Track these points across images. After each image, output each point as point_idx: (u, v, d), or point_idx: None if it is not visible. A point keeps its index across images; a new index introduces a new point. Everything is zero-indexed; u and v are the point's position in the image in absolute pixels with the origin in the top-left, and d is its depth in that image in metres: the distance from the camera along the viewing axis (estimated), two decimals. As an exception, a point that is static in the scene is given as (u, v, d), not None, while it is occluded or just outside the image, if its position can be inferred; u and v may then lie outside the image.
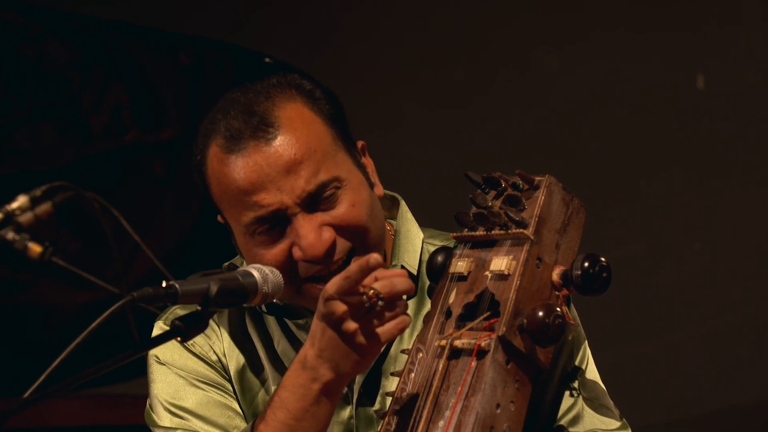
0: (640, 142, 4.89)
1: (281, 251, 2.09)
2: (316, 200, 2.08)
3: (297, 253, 2.08)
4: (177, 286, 1.80)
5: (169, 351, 2.23)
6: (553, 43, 5.02)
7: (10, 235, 1.67)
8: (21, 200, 1.69)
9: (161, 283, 1.79)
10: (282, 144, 2.08)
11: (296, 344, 2.22)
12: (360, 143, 2.22)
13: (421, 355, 1.85)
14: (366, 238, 2.11)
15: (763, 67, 4.78)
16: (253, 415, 2.19)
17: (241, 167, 2.08)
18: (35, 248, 1.68)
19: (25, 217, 1.69)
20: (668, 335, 4.86)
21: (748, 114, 4.79)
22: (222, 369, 2.23)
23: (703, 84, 4.84)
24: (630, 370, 4.77)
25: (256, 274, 1.94)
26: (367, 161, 2.22)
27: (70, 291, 4.45)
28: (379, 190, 2.21)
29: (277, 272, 1.99)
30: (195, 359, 2.22)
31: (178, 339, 1.84)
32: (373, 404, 2.18)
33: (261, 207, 2.08)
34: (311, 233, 2.07)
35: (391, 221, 2.30)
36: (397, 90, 5.13)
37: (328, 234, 2.08)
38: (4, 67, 4.44)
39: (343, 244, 2.10)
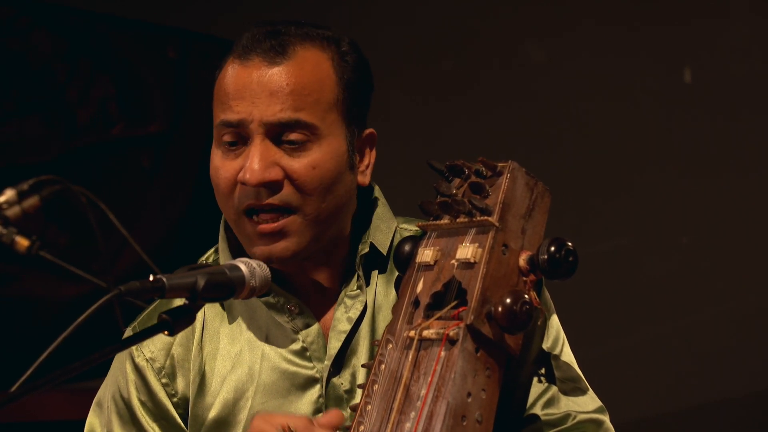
0: (627, 135, 4.89)
1: (234, 168, 2.10)
2: (280, 134, 2.08)
3: (240, 174, 2.09)
4: (164, 279, 1.80)
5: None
6: (540, 36, 5.02)
7: (-3, 229, 1.67)
8: (8, 194, 1.70)
9: (148, 276, 1.79)
10: (280, 72, 2.09)
11: (261, 324, 2.20)
12: (370, 130, 2.21)
13: (390, 346, 1.84)
14: (308, 205, 2.09)
15: (751, 60, 4.78)
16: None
17: (236, 72, 2.10)
18: (22, 242, 1.68)
19: (12, 211, 1.69)
20: (654, 328, 4.87)
21: (735, 107, 4.80)
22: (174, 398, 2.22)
23: (691, 77, 4.85)
24: (616, 363, 4.78)
25: (243, 267, 1.93)
26: (369, 152, 2.21)
27: (57, 284, 4.45)
28: (364, 179, 2.20)
29: (264, 266, 1.98)
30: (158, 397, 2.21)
31: (165, 333, 1.84)
32: (342, 384, 2.17)
33: (232, 112, 2.08)
34: (260, 162, 2.07)
35: None
36: (382, 82, 5.12)
37: (274, 172, 2.08)
38: (-9, 60, 4.43)
39: (286, 195, 2.09)
